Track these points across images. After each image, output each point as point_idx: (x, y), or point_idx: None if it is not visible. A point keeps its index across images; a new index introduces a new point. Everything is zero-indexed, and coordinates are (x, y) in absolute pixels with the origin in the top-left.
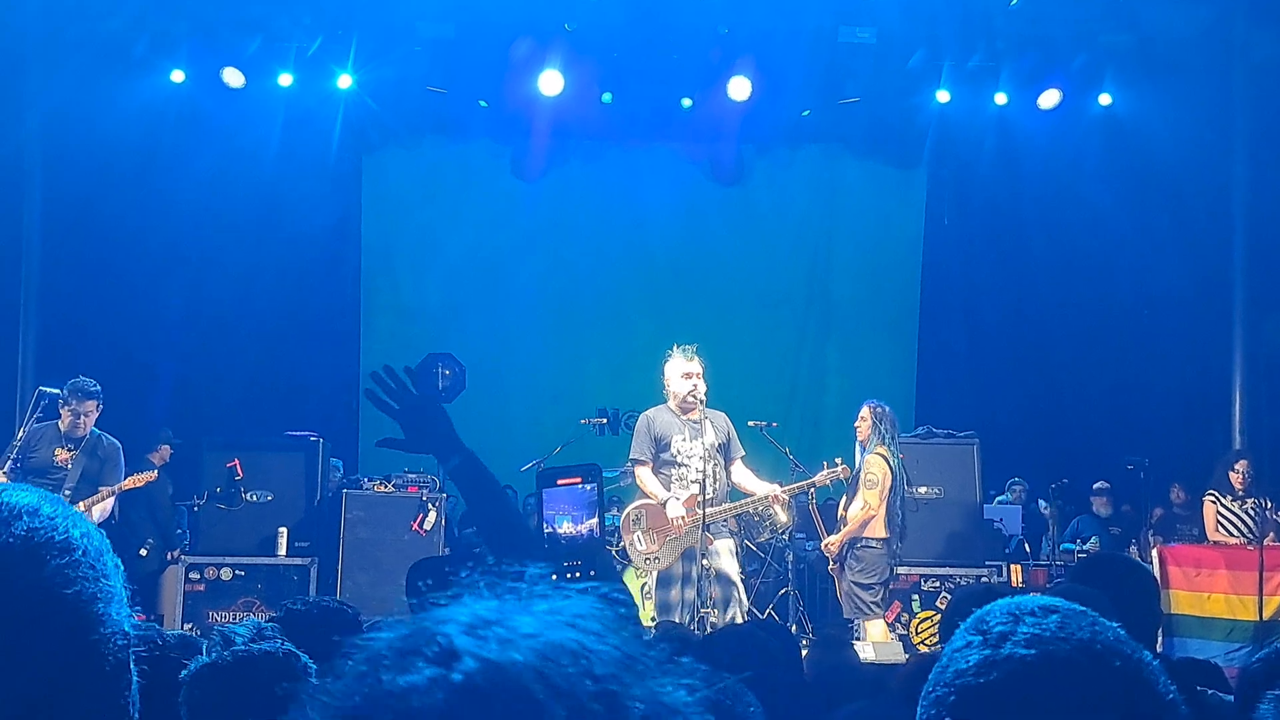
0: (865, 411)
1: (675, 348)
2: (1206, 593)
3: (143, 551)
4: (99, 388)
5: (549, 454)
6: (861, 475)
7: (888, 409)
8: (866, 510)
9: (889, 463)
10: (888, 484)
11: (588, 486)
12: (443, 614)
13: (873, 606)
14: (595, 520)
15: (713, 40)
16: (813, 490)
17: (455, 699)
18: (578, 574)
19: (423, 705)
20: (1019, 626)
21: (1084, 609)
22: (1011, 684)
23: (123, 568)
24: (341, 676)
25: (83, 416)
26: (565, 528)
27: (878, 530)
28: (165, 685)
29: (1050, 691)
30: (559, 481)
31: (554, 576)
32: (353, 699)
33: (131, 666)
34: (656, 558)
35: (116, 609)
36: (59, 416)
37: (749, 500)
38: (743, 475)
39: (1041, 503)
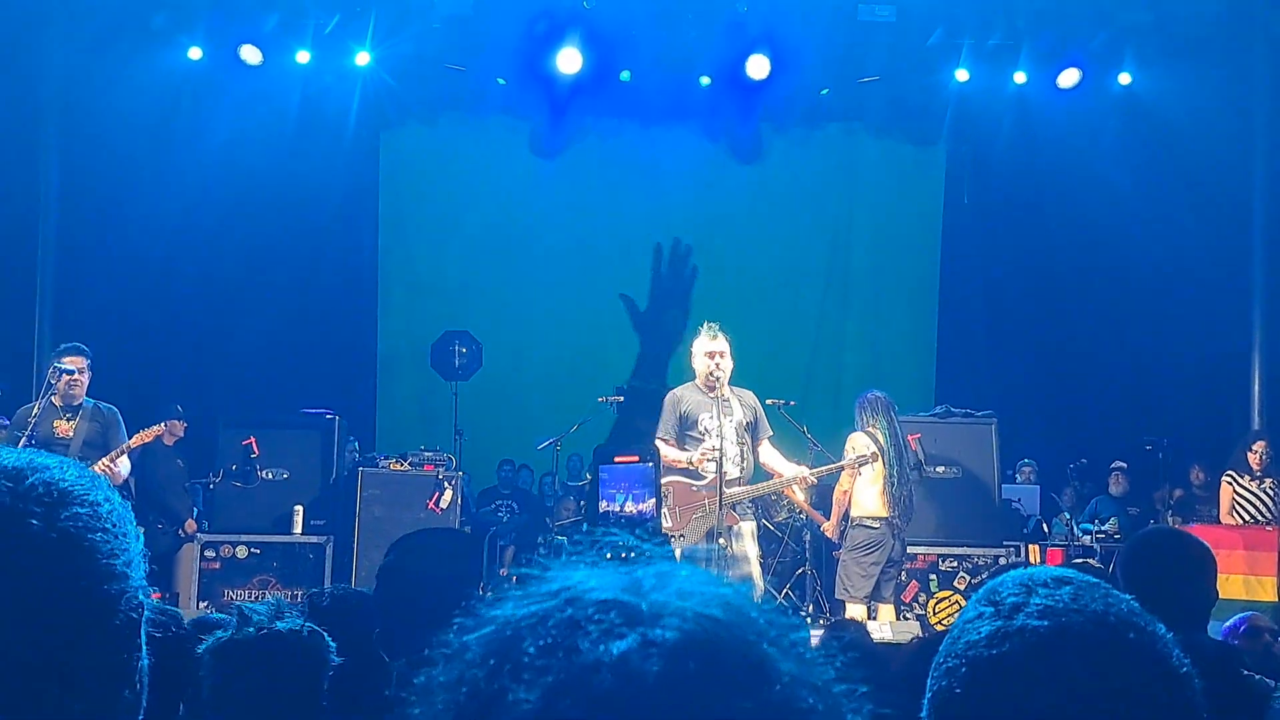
0: None
1: (704, 325)
2: (1225, 574)
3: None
4: (85, 347)
5: (566, 432)
6: None
7: (872, 395)
8: (838, 487)
9: (877, 441)
10: (840, 462)
11: (647, 463)
12: (572, 583)
13: (851, 590)
14: (654, 499)
15: (732, 18)
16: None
17: (685, 659)
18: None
19: (649, 670)
20: (1032, 598)
21: (1098, 581)
22: (1024, 655)
23: (142, 539)
24: (510, 651)
25: (77, 373)
26: (628, 507)
27: (876, 509)
28: (181, 666)
29: (1063, 663)
30: (616, 459)
31: (608, 556)
32: (558, 672)
33: (142, 637)
34: (682, 535)
35: (135, 573)
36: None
37: (774, 482)
38: (771, 455)
39: (1066, 492)
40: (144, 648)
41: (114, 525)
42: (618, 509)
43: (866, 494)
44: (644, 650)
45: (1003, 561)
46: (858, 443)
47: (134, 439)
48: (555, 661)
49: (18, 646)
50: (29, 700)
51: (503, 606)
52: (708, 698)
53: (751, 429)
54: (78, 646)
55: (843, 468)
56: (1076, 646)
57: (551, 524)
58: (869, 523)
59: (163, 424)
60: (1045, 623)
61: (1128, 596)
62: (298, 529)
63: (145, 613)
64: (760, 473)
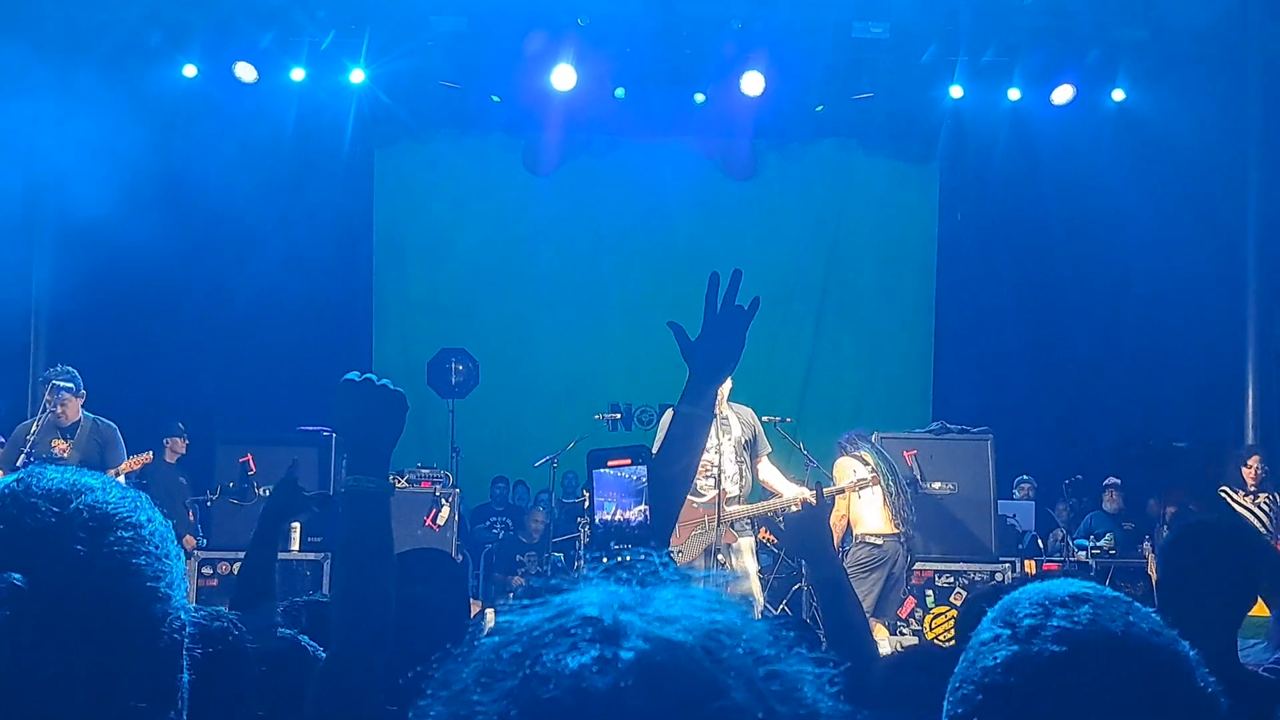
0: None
1: None
2: None
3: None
4: (72, 370)
5: (562, 449)
6: None
7: (847, 434)
8: (835, 512)
9: (866, 462)
10: (841, 485)
11: (636, 474)
12: (574, 597)
13: None
14: (644, 506)
15: (726, 35)
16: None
17: (631, 677)
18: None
19: (596, 685)
20: (1049, 620)
21: (1118, 595)
22: (1042, 683)
23: (183, 560)
24: (491, 657)
25: (67, 400)
26: (616, 515)
27: (880, 526)
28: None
29: (1083, 690)
30: (609, 463)
31: (604, 560)
32: (515, 679)
33: (184, 656)
34: (680, 551)
35: (177, 593)
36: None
37: (775, 502)
38: (770, 473)
39: (1060, 506)
40: (185, 668)
41: (157, 547)
42: (608, 517)
43: (868, 512)
44: (596, 666)
45: (999, 578)
46: (855, 467)
47: (124, 464)
48: (518, 669)
49: (67, 670)
50: None
51: (519, 614)
52: (646, 717)
53: (750, 446)
54: (125, 669)
55: (843, 490)
56: (1096, 671)
57: (529, 541)
58: (872, 540)
59: (149, 451)
60: (1063, 647)
61: (1150, 612)
62: (295, 546)
63: (188, 631)
64: (759, 490)
